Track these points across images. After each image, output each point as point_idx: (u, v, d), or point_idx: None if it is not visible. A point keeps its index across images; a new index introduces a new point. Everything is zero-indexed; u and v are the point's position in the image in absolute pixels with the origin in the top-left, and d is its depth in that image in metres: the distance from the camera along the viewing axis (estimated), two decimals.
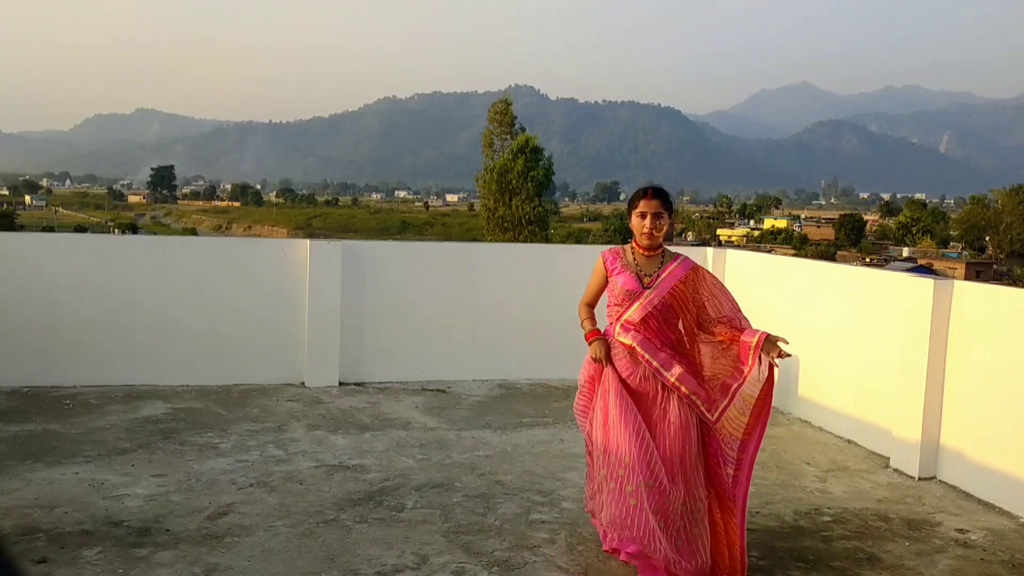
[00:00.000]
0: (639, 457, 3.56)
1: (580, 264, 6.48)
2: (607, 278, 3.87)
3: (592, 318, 3.96)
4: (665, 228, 3.76)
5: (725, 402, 3.70)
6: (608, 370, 3.77)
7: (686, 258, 3.83)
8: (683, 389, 3.64)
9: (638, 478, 3.55)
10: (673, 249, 3.96)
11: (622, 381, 3.72)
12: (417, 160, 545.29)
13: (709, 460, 3.71)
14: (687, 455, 3.61)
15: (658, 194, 3.78)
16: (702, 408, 3.67)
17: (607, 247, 4.07)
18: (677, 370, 3.65)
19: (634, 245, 3.85)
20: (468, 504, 4.53)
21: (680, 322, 3.83)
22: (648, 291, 3.71)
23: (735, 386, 3.70)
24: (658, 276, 3.74)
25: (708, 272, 3.85)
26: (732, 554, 3.68)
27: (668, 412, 3.66)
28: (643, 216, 3.75)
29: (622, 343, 3.74)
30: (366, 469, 5.03)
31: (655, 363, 3.66)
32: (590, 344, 3.86)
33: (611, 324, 3.84)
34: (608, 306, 3.88)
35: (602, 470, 3.72)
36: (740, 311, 3.82)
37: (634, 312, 3.71)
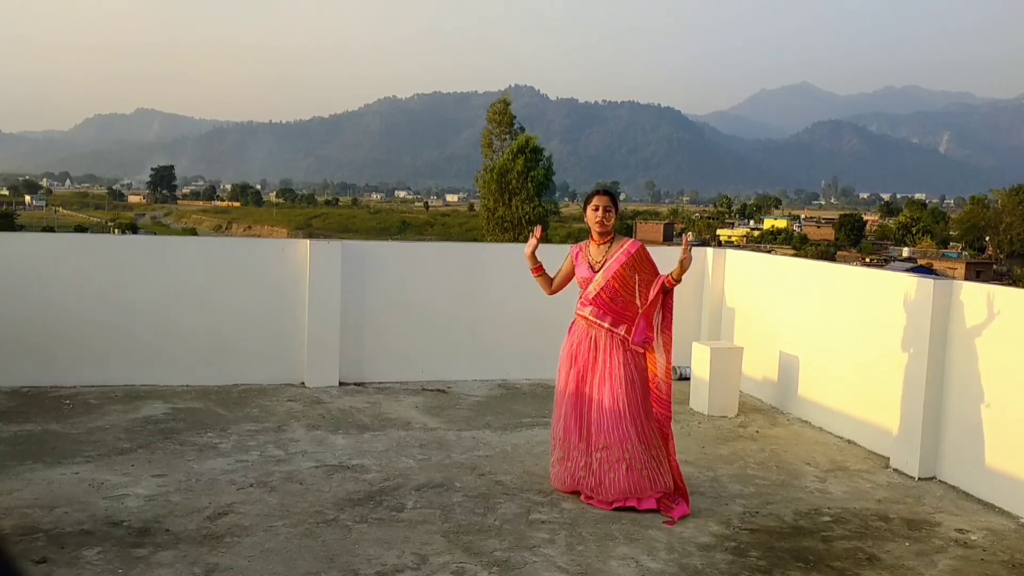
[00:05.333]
0: (576, 439, 4.65)
1: None
2: (573, 267, 4.81)
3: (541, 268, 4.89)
4: (613, 220, 4.71)
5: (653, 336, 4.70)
6: (568, 371, 4.73)
7: (631, 243, 4.71)
8: (619, 332, 4.62)
9: (575, 450, 4.66)
10: (623, 237, 4.79)
11: (574, 371, 4.69)
12: (417, 160, 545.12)
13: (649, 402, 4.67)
14: (627, 403, 4.53)
15: (607, 193, 4.78)
16: (628, 339, 4.63)
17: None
18: (609, 318, 4.63)
19: (590, 240, 4.78)
20: (468, 504, 4.53)
21: (632, 299, 4.65)
22: (597, 275, 4.66)
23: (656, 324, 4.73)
24: (605, 263, 4.67)
25: (648, 259, 4.67)
26: (673, 467, 4.62)
27: (610, 370, 4.58)
28: (596, 209, 4.68)
29: (580, 315, 4.75)
30: (366, 469, 5.03)
31: (601, 323, 4.64)
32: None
33: (578, 303, 4.79)
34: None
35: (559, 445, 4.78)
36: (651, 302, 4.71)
37: (589, 291, 4.69)
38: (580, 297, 4.76)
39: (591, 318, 4.67)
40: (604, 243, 4.70)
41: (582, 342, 4.69)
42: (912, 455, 5.29)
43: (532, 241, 4.78)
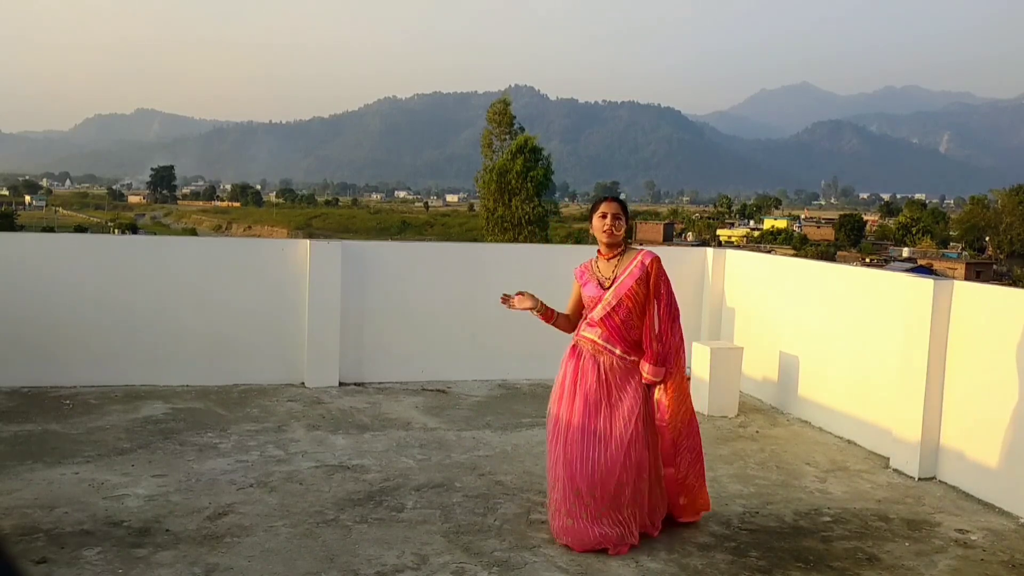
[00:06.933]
0: (567, 484, 4.04)
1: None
2: (581, 289, 4.28)
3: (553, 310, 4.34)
4: (623, 228, 4.17)
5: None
6: (567, 401, 4.14)
7: (645, 254, 4.17)
8: (631, 360, 4.13)
9: (569, 501, 4.03)
10: (637, 248, 4.31)
11: (577, 402, 4.10)
12: (417, 160, 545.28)
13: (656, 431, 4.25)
14: (636, 442, 4.05)
15: (615, 199, 4.25)
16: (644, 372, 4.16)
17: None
18: (620, 346, 4.12)
19: (597, 254, 4.25)
20: (468, 504, 4.54)
21: (646, 326, 4.17)
22: (607, 293, 4.13)
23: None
24: (616, 279, 4.14)
25: (664, 275, 4.16)
26: (682, 498, 4.30)
27: (621, 402, 4.08)
28: (604, 216, 4.16)
29: (585, 337, 4.20)
30: (366, 469, 5.03)
31: (611, 349, 4.13)
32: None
33: (582, 323, 4.27)
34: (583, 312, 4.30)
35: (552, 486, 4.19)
36: (665, 332, 4.15)
37: (596, 312, 4.15)
38: (585, 317, 4.23)
39: (599, 342, 4.13)
40: (614, 256, 4.17)
41: (588, 370, 4.11)
42: (912, 455, 5.29)
43: (516, 303, 4.25)
